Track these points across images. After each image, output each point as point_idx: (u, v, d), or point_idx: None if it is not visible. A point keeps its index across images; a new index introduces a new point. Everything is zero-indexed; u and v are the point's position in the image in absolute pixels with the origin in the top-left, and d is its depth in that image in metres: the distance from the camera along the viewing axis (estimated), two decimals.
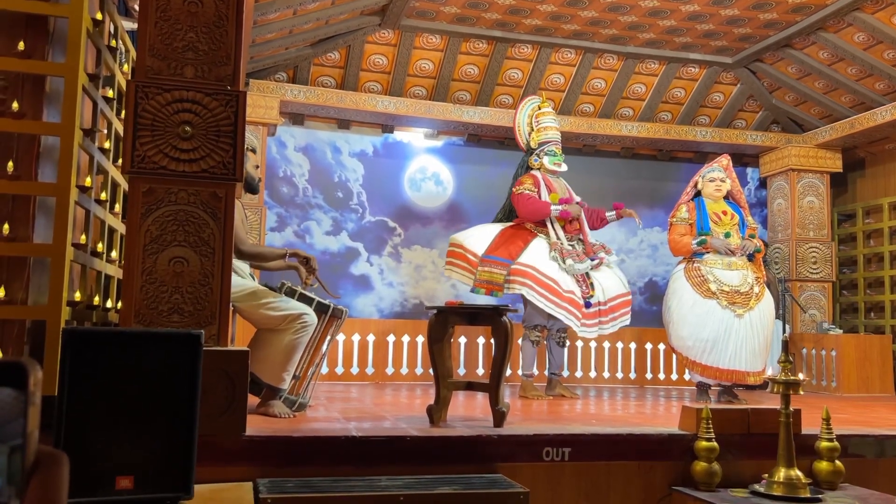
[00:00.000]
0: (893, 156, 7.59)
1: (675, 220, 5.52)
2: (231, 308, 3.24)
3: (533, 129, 5.82)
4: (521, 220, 5.56)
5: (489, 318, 3.62)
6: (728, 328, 5.05)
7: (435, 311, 3.64)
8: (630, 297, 5.52)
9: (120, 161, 3.56)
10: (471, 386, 3.82)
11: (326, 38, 6.55)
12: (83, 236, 3.17)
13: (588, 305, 5.17)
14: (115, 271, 3.67)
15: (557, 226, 5.43)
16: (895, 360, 7.04)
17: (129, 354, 2.17)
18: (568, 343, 5.81)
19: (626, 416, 4.28)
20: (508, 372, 5.55)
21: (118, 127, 3.72)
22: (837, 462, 3.20)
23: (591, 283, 5.27)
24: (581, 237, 5.52)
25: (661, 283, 7.70)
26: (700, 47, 6.91)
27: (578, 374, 7.17)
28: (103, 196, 3.48)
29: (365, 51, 6.75)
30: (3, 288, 2.83)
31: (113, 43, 3.63)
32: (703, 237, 5.29)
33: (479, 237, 5.53)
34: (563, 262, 5.21)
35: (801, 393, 3.11)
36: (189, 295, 2.78)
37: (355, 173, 7.30)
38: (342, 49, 6.73)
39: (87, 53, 3.13)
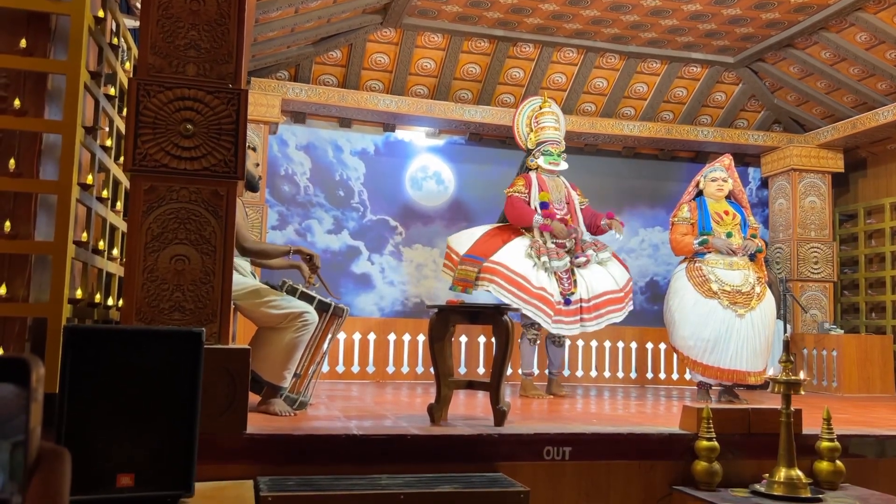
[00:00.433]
0: (895, 156, 7.58)
1: (676, 219, 5.51)
2: (232, 306, 3.24)
3: (532, 130, 5.86)
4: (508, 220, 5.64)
5: (490, 317, 3.62)
6: (729, 328, 5.05)
7: (436, 310, 3.64)
8: (623, 293, 5.45)
9: (121, 159, 3.56)
10: (471, 385, 3.82)
11: (328, 37, 6.55)
12: (85, 234, 3.17)
13: (568, 303, 5.17)
14: (116, 269, 3.67)
15: (542, 233, 5.44)
16: None
17: (130, 352, 2.17)
18: (567, 342, 5.81)
19: (627, 416, 4.28)
20: (509, 371, 5.59)
21: (120, 125, 3.72)
22: (838, 462, 3.20)
23: (576, 281, 5.29)
24: (574, 236, 5.52)
25: (662, 282, 7.70)
26: (702, 47, 6.90)
27: (579, 373, 7.17)
28: (105, 194, 3.48)
29: (367, 49, 6.75)
30: (4, 285, 2.83)
31: (115, 41, 3.64)
32: (705, 237, 5.29)
33: (467, 238, 5.62)
34: (538, 259, 5.25)
35: (802, 393, 3.10)
36: (190, 293, 2.78)
37: (357, 172, 7.30)
38: (344, 47, 6.73)
39: (88, 51, 3.13)
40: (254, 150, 3.98)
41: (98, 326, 2.92)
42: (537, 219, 5.41)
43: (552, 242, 5.37)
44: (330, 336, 3.92)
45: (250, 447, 2.76)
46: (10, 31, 3.00)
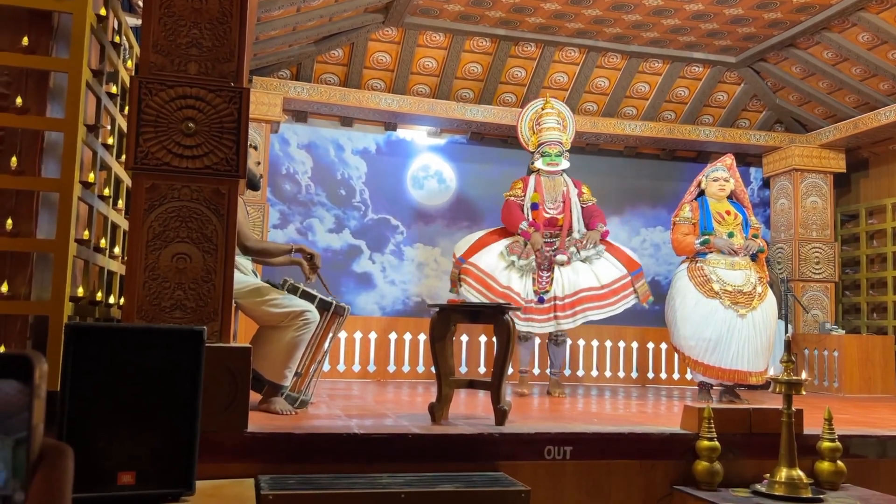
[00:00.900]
0: None
1: (678, 219, 5.51)
2: (233, 305, 3.24)
3: (534, 133, 5.98)
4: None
5: (491, 316, 3.62)
6: (731, 328, 5.04)
7: (437, 309, 3.64)
8: (608, 290, 5.42)
9: (123, 157, 3.56)
10: (472, 384, 3.82)
11: (330, 36, 6.55)
12: (86, 232, 3.17)
13: (541, 301, 5.25)
14: (117, 267, 3.67)
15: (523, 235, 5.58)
16: None
17: (131, 350, 2.17)
18: (568, 342, 5.82)
19: (628, 415, 4.28)
20: (510, 370, 5.61)
21: (121, 123, 3.72)
22: (839, 462, 3.19)
23: (553, 278, 5.37)
24: (560, 232, 5.59)
25: (664, 282, 7.69)
26: (704, 46, 6.90)
27: (580, 372, 7.16)
28: (106, 192, 3.49)
29: (368, 48, 6.75)
30: (6, 283, 2.83)
31: (117, 39, 3.64)
32: (707, 237, 5.28)
33: (465, 242, 5.86)
34: (507, 256, 5.42)
35: (803, 393, 3.10)
36: (191, 291, 2.78)
37: (358, 171, 7.30)
38: (346, 46, 6.73)
39: (90, 49, 3.13)
40: (255, 148, 3.98)
41: (99, 325, 2.91)
42: (522, 225, 5.58)
43: (533, 242, 5.49)
44: (331, 335, 3.92)
45: (251, 446, 2.76)
46: (12, 28, 3.00)
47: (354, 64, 6.81)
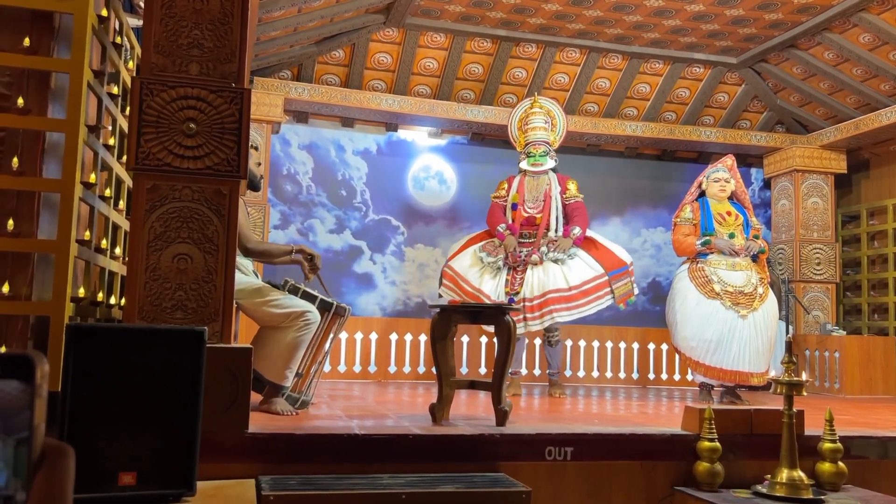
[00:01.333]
0: None
1: (679, 220, 5.51)
2: (234, 305, 3.24)
3: (522, 133, 5.96)
4: None
5: (492, 316, 3.62)
6: (732, 329, 5.04)
7: (438, 310, 3.64)
8: (577, 292, 5.33)
9: (124, 158, 3.56)
10: (473, 385, 3.82)
11: (331, 37, 6.55)
12: (87, 233, 3.17)
13: (511, 302, 5.24)
14: (118, 268, 3.68)
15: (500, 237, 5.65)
16: None
17: (132, 351, 2.17)
18: (560, 342, 5.78)
19: (629, 416, 4.28)
20: (534, 372, 5.68)
21: (123, 124, 3.72)
22: (840, 463, 3.19)
23: (523, 280, 5.38)
24: (537, 231, 5.60)
25: (665, 283, 7.69)
26: (705, 47, 6.90)
27: (581, 373, 7.16)
28: (107, 192, 3.49)
29: (369, 49, 6.75)
30: (7, 283, 2.84)
31: (118, 40, 3.64)
32: (707, 238, 5.28)
33: (456, 244, 5.95)
34: (479, 255, 5.52)
35: (804, 394, 3.10)
36: (192, 292, 2.79)
37: (359, 171, 7.30)
38: (346, 47, 6.73)
39: (92, 50, 3.13)
40: (256, 149, 3.98)
41: (100, 325, 2.92)
42: (498, 227, 5.66)
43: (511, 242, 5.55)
44: (332, 335, 3.92)
45: (252, 446, 2.76)
46: (13, 29, 3.00)
47: (355, 64, 6.81)
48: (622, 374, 7.28)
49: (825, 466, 3.19)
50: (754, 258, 5.32)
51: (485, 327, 5.98)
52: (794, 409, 3.07)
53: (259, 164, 4.13)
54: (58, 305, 2.83)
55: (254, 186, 4.06)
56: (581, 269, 5.45)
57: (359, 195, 7.27)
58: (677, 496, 3.13)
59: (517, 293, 5.33)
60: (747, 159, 8.04)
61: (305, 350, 3.67)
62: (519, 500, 2.60)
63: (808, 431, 3.35)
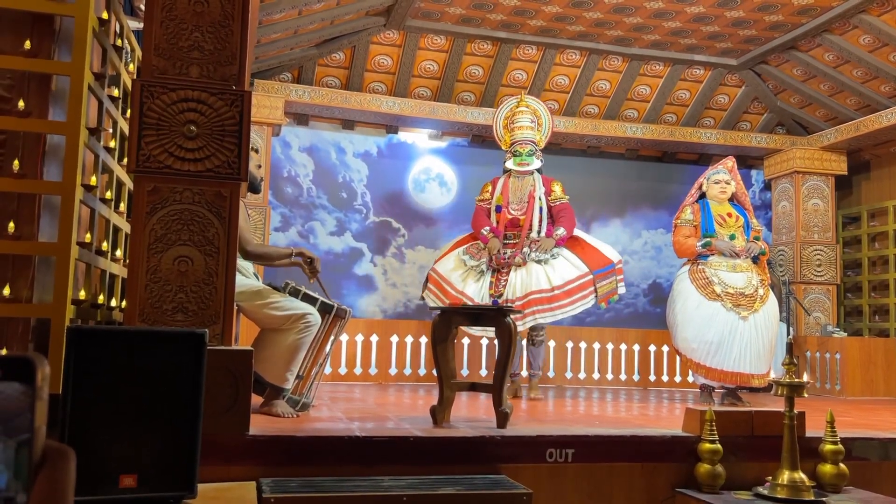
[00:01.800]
0: None
1: (679, 221, 5.51)
2: (235, 307, 3.24)
3: (508, 132, 5.88)
4: None
5: (492, 318, 3.62)
6: (732, 330, 5.04)
7: (438, 312, 3.64)
8: (561, 292, 5.28)
9: (125, 160, 3.56)
10: (474, 387, 3.82)
11: (331, 39, 6.56)
12: (88, 235, 3.17)
13: (495, 304, 5.18)
14: (119, 270, 3.68)
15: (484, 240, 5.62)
16: None
17: (133, 353, 2.17)
18: (544, 343, 5.73)
19: (630, 418, 4.27)
20: (524, 373, 5.62)
21: (123, 126, 3.73)
22: (841, 465, 3.19)
23: (507, 281, 5.34)
24: (520, 232, 5.56)
25: (665, 284, 7.69)
26: (705, 49, 6.90)
27: (582, 375, 7.16)
28: (108, 195, 3.49)
29: (370, 51, 6.76)
30: (8, 286, 2.84)
31: (119, 42, 3.64)
32: (708, 239, 5.28)
33: (444, 248, 5.94)
34: (464, 257, 5.49)
35: (805, 396, 3.10)
36: (193, 294, 2.79)
37: (359, 174, 7.31)
38: (347, 49, 6.74)
39: (92, 52, 3.13)
40: (256, 151, 3.98)
41: (101, 327, 2.92)
42: (483, 230, 5.62)
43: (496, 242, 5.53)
44: (333, 338, 3.92)
45: (253, 448, 2.76)
46: (14, 32, 3.00)
47: (356, 67, 6.82)
48: (623, 376, 7.27)
49: (826, 468, 3.19)
50: (755, 260, 5.32)
51: (470, 330, 5.86)
52: (795, 411, 3.07)
53: (259, 166, 4.13)
54: (58, 308, 2.83)
55: (254, 189, 4.06)
56: (565, 268, 5.39)
57: (359, 197, 7.28)
58: (678, 498, 3.13)
59: (500, 295, 5.28)
60: (748, 161, 8.04)
61: (306, 352, 3.67)
62: (520, 501, 2.60)
63: (809, 433, 3.35)
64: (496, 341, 3.64)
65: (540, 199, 5.60)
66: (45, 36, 3.06)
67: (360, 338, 6.69)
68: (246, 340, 4.61)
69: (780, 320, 5.67)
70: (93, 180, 3.16)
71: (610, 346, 7.26)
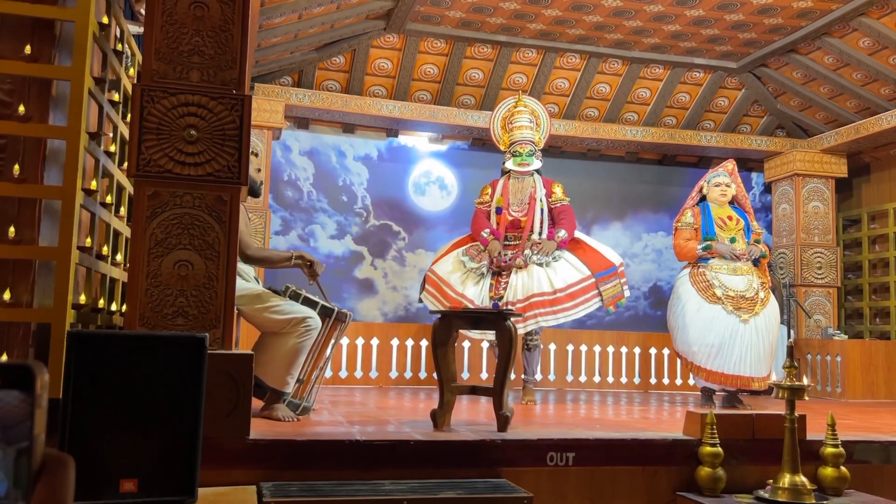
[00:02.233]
0: None
1: (680, 224, 5.51)
2: (235, 311, 3.24)
3: (506, 132, 5.79)
4: None
5: (493, 322, 3.62)
6: (733, 333, 5.03)
7: (439, 315, 3.64)
8: (563, 295, 5.22)
9: (125, 164, 3.57)
10: (475, 390, 3.82)
11: (331, 43, 6.56)
12: (88, 239, 3.17)
13: (495, 307, 5.09)
14: (119, 274, 3.68)
15: (485, 243, 5.52)
16: None
17: (133, 357, 2.17)
18: (541, 346, 5.69)
19: (631, 421, 4.27)
20: (512, 376, 5.57)
21: (124, 130, 3.73)
22: (842, 468, 3.18)
23: (508, 284, 5.25)
24: (521, 234, 5.49)
25: (666, 287, 7.69)
26: (705, 52, 6.91)
27: (583, 378, 7.15)
28: (109, 199, 3.49)
29: (370, 55, 6.77)
30: (8, 291, 2.84)
31: (119, 47, 3.65)
32: (709, 242, 5.28)
33: (441, 249, 5.83)
34: (463, 258, 5.40)
35: (806, 398, 3.09)
36: (194, 298, 2.79)
37: (360, 177, 7.31)
38: (347, 53, 6.74)
39: (93, 57, 3.14)
40: (256, 155, 3.98)
41: (101, 332, 2.92)
42: (483, 233, 5.53)
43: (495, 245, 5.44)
44: (333, 341, 3.92)
45: (253, 452, 2.75)
46: (15, 37, 3.01)
47: (356, 70, 6.83)
48: (623, 379, 7.27)
49: (827, 471, 3.18)
50: (755, 263, 5.32)
51: (469, 333, 5.72)
52: (796, 414, 3.06)
53: (259, 170, 4.13)
54: (59, 312, 2.83)
55: (254, 193, 4.06)
56: (567, 271, 5.32)
57: (360, 201, 7.28)
58: (679, 501, 3.13)
59: (501, 297, 5.21)
60: (748, 164, 8.04)
61: (306, 356, 3.67)
62: None
63: (810, 436, 3.34)
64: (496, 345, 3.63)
65: (541, 200, 5.54)
66: (46, 41, 3.06)
67: (360, 341, 6.69)
68: (246, 344, 4.61)
69: (781, 323, 5.66)
70: (93, 185, 3.16)
71: (610, 350, 7.25)
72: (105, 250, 3.41)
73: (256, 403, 3.31)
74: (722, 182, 5.47)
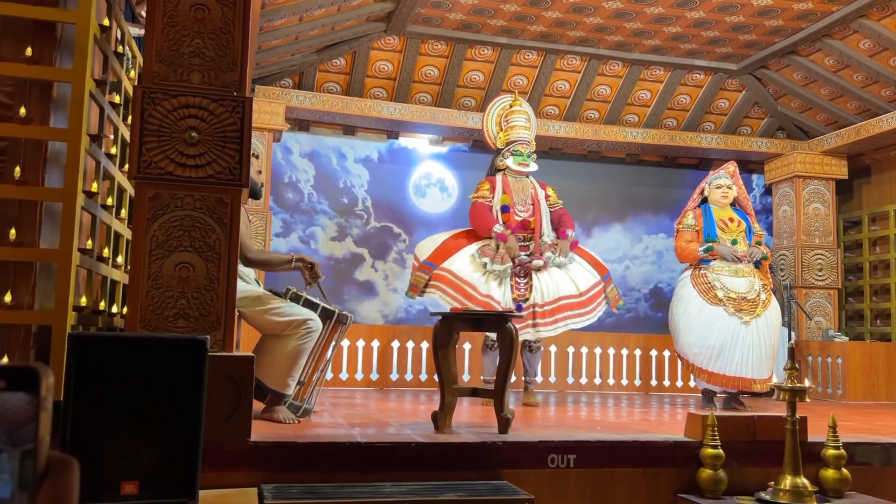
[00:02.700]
0: None
1: (681, 226, 5.51)
2: (236, 313, 3.24)
3: (501, 130, 5.70)
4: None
5: (494, 324, 3.62)
6: (735, 335, 5.03)
7: (440, 317, 3.64)
8: (586, 298, 5.23)
9: (126, 166, 3.57)
10: (476, 392, 3.81)
11: (332, 45, 6.57)
12: (89, 241, 3.17)
13: (519, 309, 5.03)
14: (120, 276, 3.68)
15: (496, 240, 5.30)
16: None
17: (134, 360, 2.17)
18: (541, 349, 5.67)
19: (632, 423, 4.27)
20: (513, 378, 5.54)
21: (125, 132, 3.73)
22: (844, 470, 3.18)
23: (532, 285, 5.17)
24: (532, 235, 5.37)
25: (666, 289, 7.69)
26: (705, 54, 6.91)
27: (583, 380, 7.15)
28: (109, 201, 3.49)
29: (370, 57, 6.77)
30: (9, 293, 2.84)
31: (120, 49, 3.65)
32: (710, 244, 5.28)
33: (430, 244, 5.55)
34: (480, 259, 5.17)
35: (807, 400, 3.09)
36: (194, 300, 2.78)
37: (360, 179, 7.31)
38: (348, 55, 6.75)
39: (94, 59, 3.14)
40: (256, 157, 3.98)
41: (102, 334, 2.92)
42: (496, 228, 5.30)
43: (512, 244, 5.25)
44: (334, 343, 3.92)
45: (254, 455, 2.75)
46: (16, 39, 3.01)
47: (356, 72, 6.83)
48: (624, 381, 7.26)
49: (829, 473, 3.18)
50: (757, 264, 5.32)
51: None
52: (798, 416, 3.06)
53: (260, 171, 4.13)
54: (60, 314, 2.83)
55: (255, 194, 4.06)
56: (583, 274, 5.33)
57: (360, 203, 7.28)
58: (680, 503, 3.12)
59: (526, 299, 5.12)
60: (748, 165, 8.04)
61: (307, 358, 3.67)
62: None
63: (811, 438, 3.34)
64: (497, 347, 3.62)
65: (543, 201, 5.50)
66: (47, 43, 3.06)
67: (361, 343, 6.69)
68: (247, 346, 4.61)
69: (782, 325, 5.66)
70: (94, 187, 3.16)
71: (611, 351, 7.25)
72: (106, 252, 3.41)
73: (257, 405, 3.31)
74: (723, 184, 5.47)
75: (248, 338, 4.73)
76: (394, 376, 6.76)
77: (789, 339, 6.34)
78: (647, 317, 7.76)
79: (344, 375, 6.62)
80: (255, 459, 2.75)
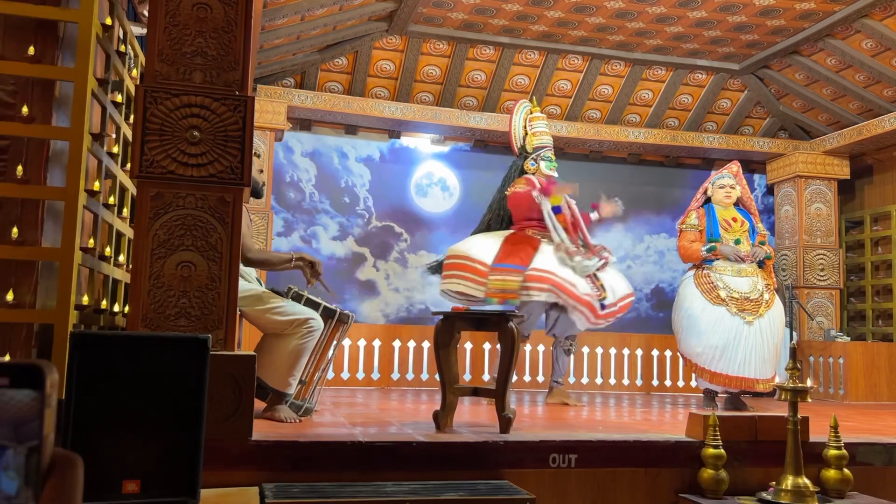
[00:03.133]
0: None
1: (684, 226, 5.51)
2: (238, 312, 3.24)
3: (528, 133, 5.69)
4: (517, 223, 5.44)
5: (496, 323, 3.62)
6: (738, 335, 5.03)
7: (441, 317, 3.64)
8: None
9: (128, 165, 3.57)
10: (477, 392, 3.81)
11: (334, 44, 6.57)
12: (91, 240, 3.18)
13: (602, 307, 5.07)
14: (122, 275, 3.68)
15: (559, 227, 5.24)
16: None
17: (136, 358, 2.17)
18: (575, 349, 5.71)
19: (633, 423, 4.27)
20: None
21: (127, 131, 3.74)
22: (845, 470, 3.18)
23: (602, 285, 5.20)
24: (583, 238, 5.39)
25: (668, 289, 7.68)
26: (707, 54, 6.90)
27: (584, 380, 7.15)
28: (111, 200, 3.50)
29: (372, 56, 6.77)
30: (11, 291, 2.84)
31: (122, 48, 3.65)
32: (713, 244, 5.28)
33: (484, 246, 5.33)
34: (572, 259, 5.09)
35: (809, 400, 3.09)
36: (196, 299, 2.79)
37: (362, 178, 7.31)
38: (349, 55, 6.75)
39: (96, 58, 3.14)
40: (258, 156, 3.98)
41: (104, 333, 2.92)
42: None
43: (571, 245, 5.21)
44: (335, 342, 3.92)
45: (256, 454, 2.75)
46: (18, 38, 3.01)
47: (358, 72, 6.83)
48: (626, 381, 7.26)
49: (830, 473, 3.18)
50: (760, 264, 5.31)
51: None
52: (799, 416, 3.06)
53: (261, 171, 4.14)
54: (62, 313, 2.84)
55: (256, 194, 4.06)
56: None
57: (362, 202, 7.28)
58: (682, 503, 3.12)
59: (604, 298, 5.14)
60: (750, 165, 8.04)
61: (309, 357, 3.67)
62: None
63: (812, 438, 3.34)
64: (499, 346, 3.62)
65: (573, 203, 5.54)
66: (49, 42, 3.07)
67: (362, 342, 6.69)
68: (249, 346, 4.61)
69: (785, 325, 5.66)
70: (96, 186, 3.17)
71: (613, 351, 7.25)
72: (108, 251, 3.41)
73: (258, 405, 3.31)
74: (727, 184, 5.47)
75: (250, 337, 4.73)
76: (395, 376, 6.76)
77: (791, 339, 6.33)
78: (649, 317, 7.75)
79: (345, 375, 6.62)
80: (257, 458, 2.75)
